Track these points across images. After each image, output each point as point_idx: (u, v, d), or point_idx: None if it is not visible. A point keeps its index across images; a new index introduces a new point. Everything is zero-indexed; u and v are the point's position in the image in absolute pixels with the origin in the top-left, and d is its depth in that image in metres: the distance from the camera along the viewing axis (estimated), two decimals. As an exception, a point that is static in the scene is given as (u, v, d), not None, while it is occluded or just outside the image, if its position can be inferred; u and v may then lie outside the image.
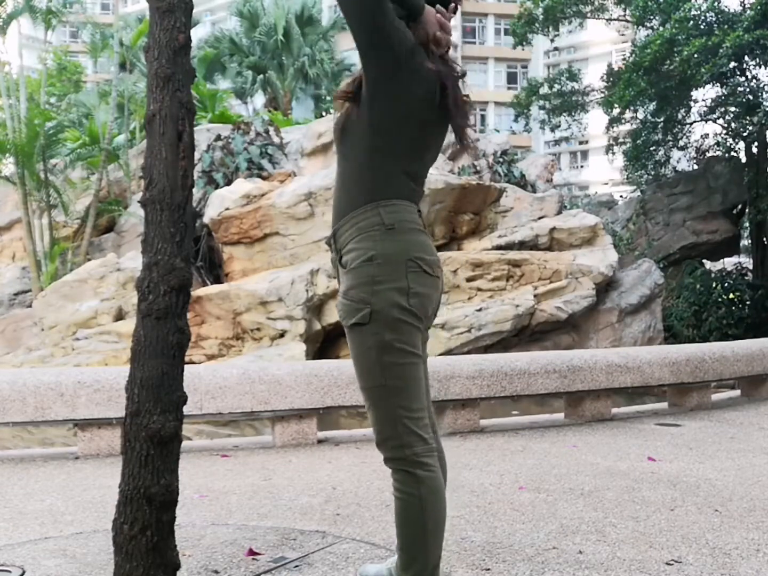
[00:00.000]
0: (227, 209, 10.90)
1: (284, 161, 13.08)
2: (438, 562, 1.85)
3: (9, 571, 2.30)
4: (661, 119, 17.78)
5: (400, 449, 1.81)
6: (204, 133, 13.53)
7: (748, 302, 15.05)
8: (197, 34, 29.53)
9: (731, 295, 15.19)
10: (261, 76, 25.82)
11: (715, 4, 15.33)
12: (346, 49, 31.84)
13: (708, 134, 18.87)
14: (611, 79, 18.26)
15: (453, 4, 1.97)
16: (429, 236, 1.92)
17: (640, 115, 18.44)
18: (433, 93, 1.85)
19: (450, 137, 2.03)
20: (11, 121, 14.20)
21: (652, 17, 16.92)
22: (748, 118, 16.41)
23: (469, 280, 10.87)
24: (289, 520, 2.92)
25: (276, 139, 13.35)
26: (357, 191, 1.86)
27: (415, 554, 1.82)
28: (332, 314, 10.25)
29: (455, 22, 45.58)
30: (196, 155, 2.02)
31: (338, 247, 1.89)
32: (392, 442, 1.82)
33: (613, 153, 19.73)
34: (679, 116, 18.13)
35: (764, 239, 17.66)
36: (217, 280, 11.49)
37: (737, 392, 6.66)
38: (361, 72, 1.84)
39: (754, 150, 17.29)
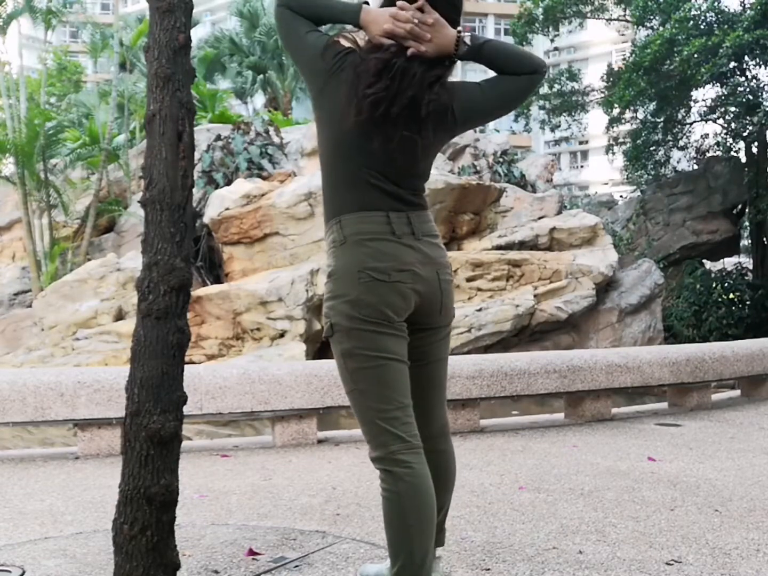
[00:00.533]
0: (227, 209, 10.89)
1: (284, 161, 13.08)
2: (424, 559, 1.84)
3: (9, 571, 2.30)
4: (661, 119, 17.77)
5: (377, 449, 1.86)
6: (204, 133, 13.52)
7: (748, 302, 15.05)
8: (197, 34, 29.53)
9: (731, 295, 15.19)
10: (261, 76, 25.82)
11: (715, 4, 15.33)
12: (346, 49, 31.84)
13: (708, 134, 18.88)
14: (611, 79, 18.26)
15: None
16: (392, 241, 1.87)
17: (640, 115, 18.44)
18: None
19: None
20: (11, 121, 14.19)
21: (652, 17, 16.92)
22: (748, 118, 16.40)
23: (469, 280, 10.87)
24: (289, 520, 2.92)
25: (276, 139, 13.34)
26: (327, 207, 1.94)
27: (398, 551, 1.84)
28: (332, 314, 10.24)
29: (455, 22, 45.61)
30: (196, 155, 2.02)
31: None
32: (371, 444, 1.88)
33: (613, 153, 19.73)
34: (679, 116, 18.12)
35: (764, 239, 17.66)
36: (217, 280, 11.48)
37: (737, 392, 6.66)
38: None
39: (754, 150, 17.29)
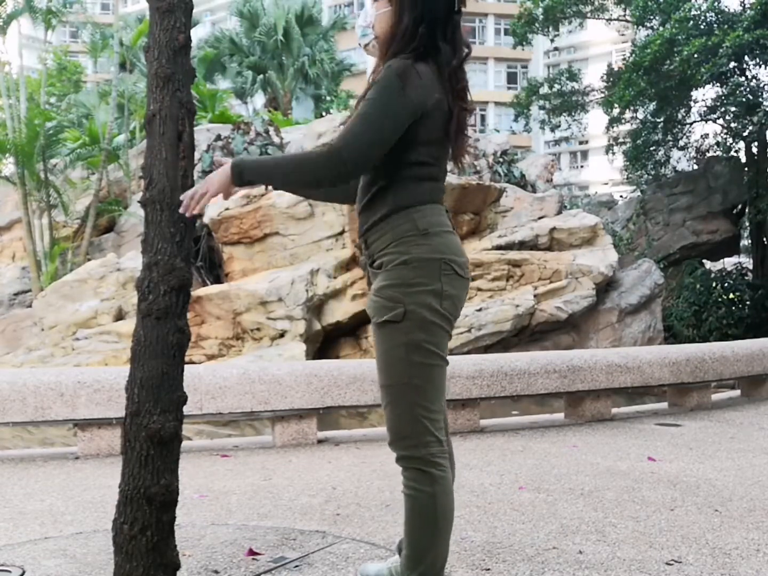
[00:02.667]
0: (227, 209, 10.89)
1: (284, 161, 13.05)
2: (444, 563, 1.87)
3: (9, 571, 2.30)
4: (661, 119, 17.77)
5: (416, 448, 1.84)
6: (204, 133, 13.52)
7: (748, 302, 15.04)
8: (197, 34, 29.54)
9: (731, 295, 15.19)
10: (261, 76, 25.82)
11: (715, 4, 15.32)
12: (346, 49, 31.87)
13: (708, 134, 18.87)
14: (611, 79, 18.25)
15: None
16: (458, 237, 1.97)
17: (640, 115, 18.44)
18: (437, 107, 1.88)
19: None
20: (11, 121, 14.18)
21: (652, 17, 16.92)
22: (748, 118, 16.40)
23: (469, 280, 10.86)
24: (289, 520, 2.92)
25: (276, 139, 13.34)
26: (388, 199, 1.89)
27: (423, 554, 1.85)
28: (332, 314, 10.25)
29: (455, 22, 45.63)
30: (196, 155, 2.03)
31: (371, 252, 1.93)
32: (409, 441, 1.85)
33: (613, 153, 19.72)
34: (679, 116, 18.12)
35: (764, 239, 17.66)
36: (217, 280, 11.48)
37: (737, 392, 6.66)
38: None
39: (754, 150, 17.29)
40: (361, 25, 2.00)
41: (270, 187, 2.01)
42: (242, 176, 1.85)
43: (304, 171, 1.82)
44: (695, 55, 14.31)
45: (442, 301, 1.84)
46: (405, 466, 1.87)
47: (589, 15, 19.26)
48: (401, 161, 1.89)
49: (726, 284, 15.37)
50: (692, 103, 17.82)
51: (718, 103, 17.08)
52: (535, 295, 10.96)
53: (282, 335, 9.66)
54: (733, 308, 14.97)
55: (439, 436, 1.86)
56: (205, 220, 11.25)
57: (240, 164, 1.86)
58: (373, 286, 1.91)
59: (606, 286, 11.91)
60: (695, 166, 19.26)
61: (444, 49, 1.88)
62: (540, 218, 12.45)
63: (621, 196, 20.86)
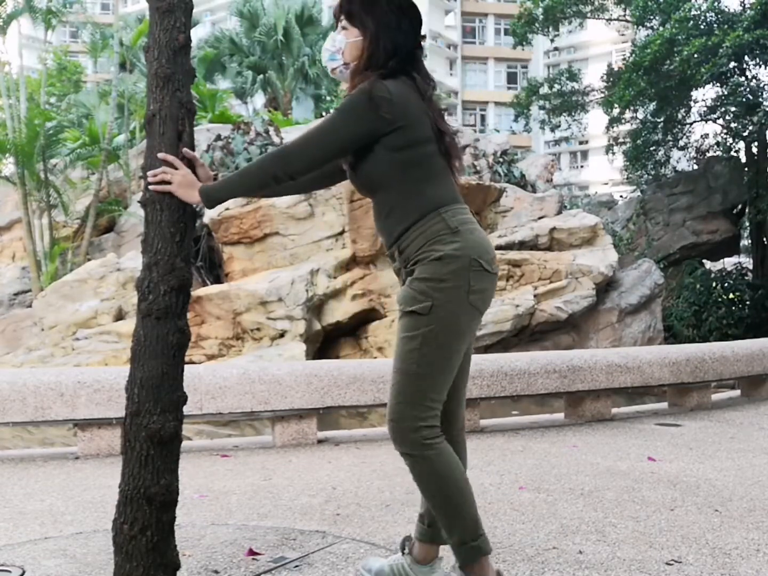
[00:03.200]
0: (227, 209, 10.89)
1: (284, 161, 13.06)
2: (476, 518, 2.00)
3: (9, 571, 2.30)
4: (661, 119, 17.78)
5: (408, 431, 1.96)
6: (204, 133, 13.52)
7: (748, 302, 15.05)
8: (197, 34, 29.54)
9: (731, 295, 15.20)
10: (261, 76, 25.83)
11: (715, 4, 15.33)
12: (346, 49, 31.80)
13: (708, 134, 18.89)
14: (611, 79, 18.27)
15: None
16: (484, 232, 2.09)
17: (640, 115, 18.44)
18: (421, 112, 2.02)
19: None
20: (11, 121, 14.18)
21: (652, 17, 16.93)
22: (748, 118, 16.41)
23: (469, 280, 10.85)
24: (289, 520, 2.92)
25: (276, 139, 13.34)
26: (411, 207, 1.99)
27: (450, 521, 1.99)
28: (332, 314, 10.25)
29: (455, 22, 45.66)
30: (196, 155, 2.01)
31: (406, 256, 2.01)
32: (402, 423, 1.96)
33: (613, 153, 19.73)
34: (679, 116, 18.13)
35: (764, 239, 17.67)
36: (217, 280, 11.48)
37: (737, 392, 6.66)
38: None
39: (754, 150, 17.29)
40: (329, 49, 2.09)
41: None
42: (209, 196, 2.02)
43: (253, 172, 2.02)
44: (695, 55, 14.32)
45: (469, 296, 1.95)
46: (399, 448, 1.99)
47: (589, 15, 19.27)
48: (409, 172, 1.99)
49: (726, 284, 15.38)
50: (692, 103, 17.83)
51: (718, 103, 17.10)
52: (535, 295, 10.96)
53: (282, 335, 9.66)
54: (733, 308, 14.98)
55: (434, 423, 1.97)
56: (205, 220, 11.25)
57: (204, 188, 2.03)
58: (408, 278, 2.01)
59: (606, 286, 11.91)
60: (695, 166, 19.26)
61: (417, 77, 2.03)
62: (540, 218, 12.45)
63: (621, 196, 20.87)
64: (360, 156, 2.02)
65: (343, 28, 2.07)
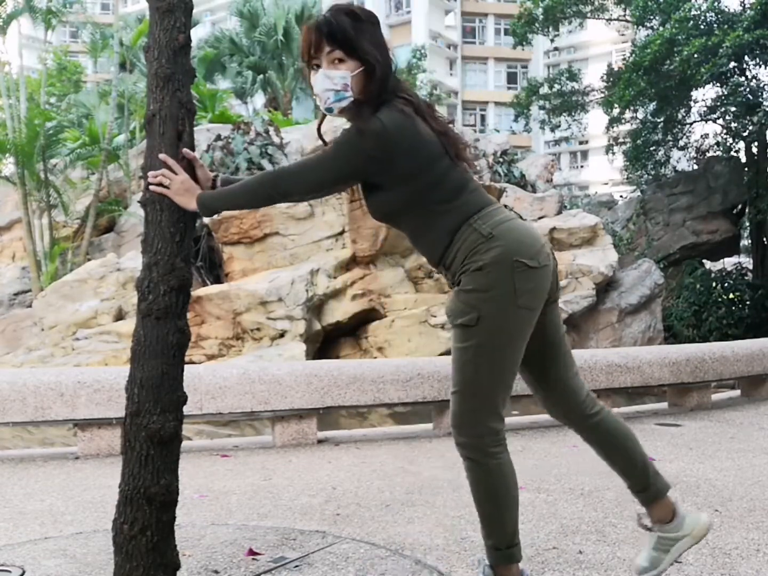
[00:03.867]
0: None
1: (284, 161, 13.06)
2: (516, 528, 2.11)
3: (9, 571, 2.30)
4: (661, 119, 17.78)
5: (472, 438, 2.00)
6: (204, 133, 13.51)
7: (748, 302, 15.05)
8: (197, 34, 29.53)
9: (731, 295, 15.20)
10: (261, 76, 25.82)
11: (715, 4, 15.33)
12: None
13: (708, 134, 18.90)
14: (611, 79, 18.27)
15: None
16: (522, 220, 2.04)
17: (640, 115, 18.45)
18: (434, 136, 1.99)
19: None
20: (11, 121, 14.19)
21: (652, 17, 16.93)
22: (748, 118, 16.41)
23: (469, 280, 10.86)
24: (289, 520, 2.92)
25: (276, 139, 13.33)
26: (442, 228, 1.97)
27: (491, 527, 2.10)
28: (332, 314, 10.25)
29: (455, 22, 45.67)
30: (196, 155, 2.01)
31: (453, 272, 1.99)
32: (466, 430, 2.00)
33: (613, 153, 19.74)
34: (679, 116, 18.13)
35: (764, 239, 17.67)
36: (217, 280, 11.48)
37: (737, 392, 6.65)
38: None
39: (754, 150, 17.30)
40: (330, 89, 1.93)
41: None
42: (206, 206, 2.04)
43: (251, 190, 2.02)
44: (695, 55, 14.32)
45: (518, 299, 1.91)
46: (462, 451, 2.03)
47: (589, 15, 19.27)
48: (427, 197, 1.97)
49: (726, 284, 15.38)
50: (692, 103, 17.83)
51: (718, 103, 17.10)
52: (535, 295, 10.96)
53: (282, 335, 9.66)
54: (733, 308, 14.98)
55: (496, 426, 2.01)
56: (205, 220, 11.25)
57: (202, 196, 2.04)
58: (455, 289, 1.99)
59: (606, 286, 11.92)
60: (695, 166, 19.26)
61: (402, 88, 2.01)
62: (540, 218, 12.46)
63: (621, 196, 20.87)
64: (371, 192, 2.00)
65: (339, 61, 1.92)
